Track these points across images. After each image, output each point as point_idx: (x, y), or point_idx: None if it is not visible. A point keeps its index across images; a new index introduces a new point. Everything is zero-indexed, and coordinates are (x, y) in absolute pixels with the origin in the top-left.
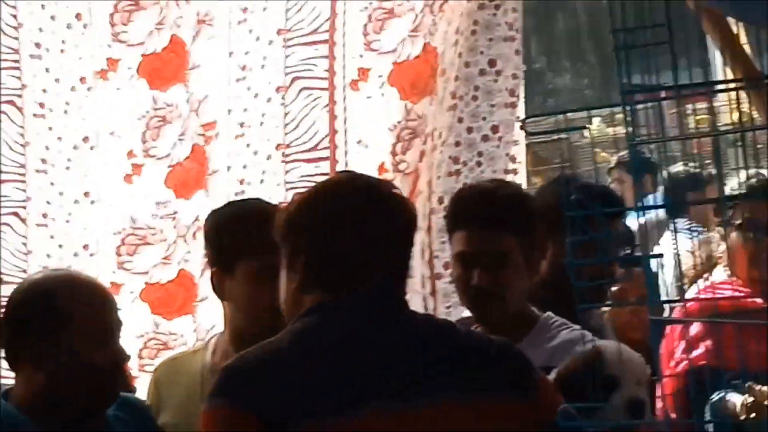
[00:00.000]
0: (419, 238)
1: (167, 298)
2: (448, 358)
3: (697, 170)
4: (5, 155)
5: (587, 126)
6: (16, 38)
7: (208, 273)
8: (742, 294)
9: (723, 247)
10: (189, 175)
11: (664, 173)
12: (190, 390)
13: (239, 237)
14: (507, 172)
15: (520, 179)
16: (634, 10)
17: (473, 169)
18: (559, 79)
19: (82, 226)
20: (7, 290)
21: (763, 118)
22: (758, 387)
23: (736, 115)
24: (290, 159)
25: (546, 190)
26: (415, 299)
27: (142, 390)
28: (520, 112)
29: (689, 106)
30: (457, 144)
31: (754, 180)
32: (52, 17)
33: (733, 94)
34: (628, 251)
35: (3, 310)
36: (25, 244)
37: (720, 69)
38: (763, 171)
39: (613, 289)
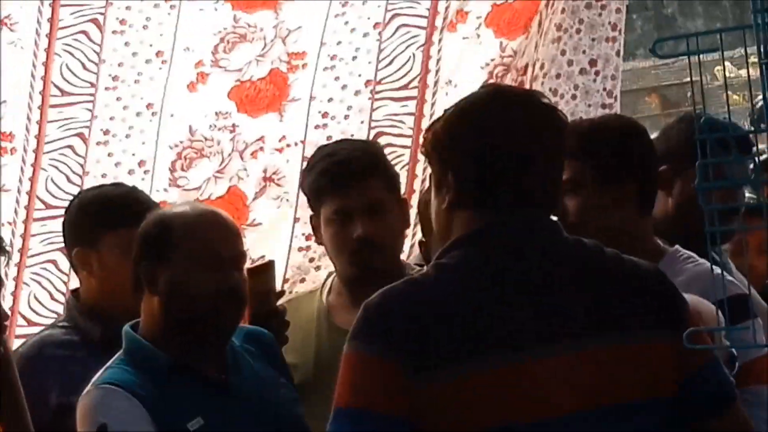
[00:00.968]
0: None
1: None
2: (606, 294)
3: None
4: (78, 75)
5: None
6: None
7: (262, 198)
8: None
9: None
10: (261, 95)
11: None
12: (306, 330)
13: (314, 183)
14: (604, 106)
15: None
16: None
17: (568, 102)
18: (690, 24)
19: (140, 140)
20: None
21: None
22: None
23: None
24: (379, 96)
25: (672, 128)
26: None
27: None
28: (621, 46)
29: None
30: (558, 76)
31: None
32: None
33: None
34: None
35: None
36: (82, 166)
37: None
38: None
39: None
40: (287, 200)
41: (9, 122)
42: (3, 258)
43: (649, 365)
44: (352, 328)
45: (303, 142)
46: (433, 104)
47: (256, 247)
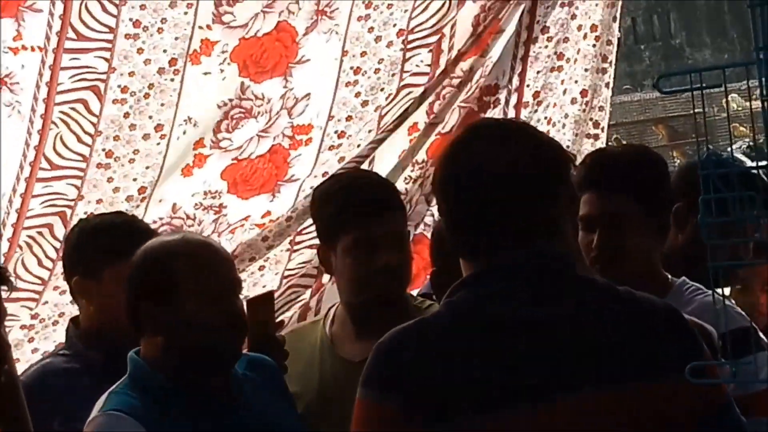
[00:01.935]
0: None
1: None
2: (619, 337)
3: None
4: (71, 147)
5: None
6: None
7: None
8: None
9: None
10: (258, 174)
11: None
12: (309, 360)
13: (333, 212)
14: (589, 136)
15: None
16: None
17: (559, 131)
18: (698, 54)
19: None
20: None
21: None
22: None
23: None
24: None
25: (686, 168)
26: None
27: None
28: (611, 78)
29: None
30: (553, 105)
31: None
32: None
33: None
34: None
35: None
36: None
37: None
38: None
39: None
40: None
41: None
42: (4, 287)
43: (662, 406)
44: (364, 372)
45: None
46: None
47: None
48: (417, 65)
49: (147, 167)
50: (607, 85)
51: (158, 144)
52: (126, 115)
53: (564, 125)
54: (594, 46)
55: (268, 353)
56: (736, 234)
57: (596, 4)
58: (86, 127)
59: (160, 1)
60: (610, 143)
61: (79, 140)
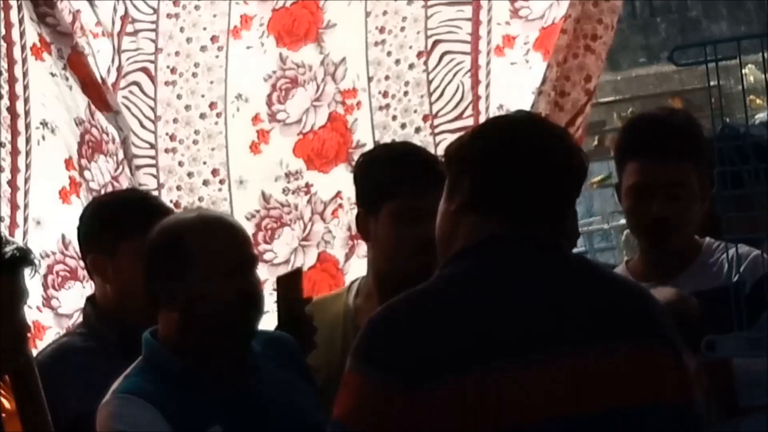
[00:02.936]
0: None
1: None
2: (600, 308)
3: None
4: (137, 134)
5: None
6: None
7: (354, 257)
8: None
9: None
10: (329, 145)
11: None
12: (332, 332)
13: (383, 177)
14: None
15: None
16: None
17: None
18: (715, 27)
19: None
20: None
21: None
22: None
23: None
24: (438, 130)
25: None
26: None
27: None
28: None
29: None
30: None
31: None
32: None
33: None
34: None
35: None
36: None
37: None
38: None
39: None
40: None
41: None
42: (30, 269)
43: (624, 368)
44: (355, 344)
45: None
46: None
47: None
48: (450, 31)
49: (212, 149)
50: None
51: (216, 123)
52: (179, 96)
53: None
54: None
55: (297, 330)
56: (751, 207)
57: None
58: (146, 111)
59: None
60: (624, 115)
61: (142, 126)
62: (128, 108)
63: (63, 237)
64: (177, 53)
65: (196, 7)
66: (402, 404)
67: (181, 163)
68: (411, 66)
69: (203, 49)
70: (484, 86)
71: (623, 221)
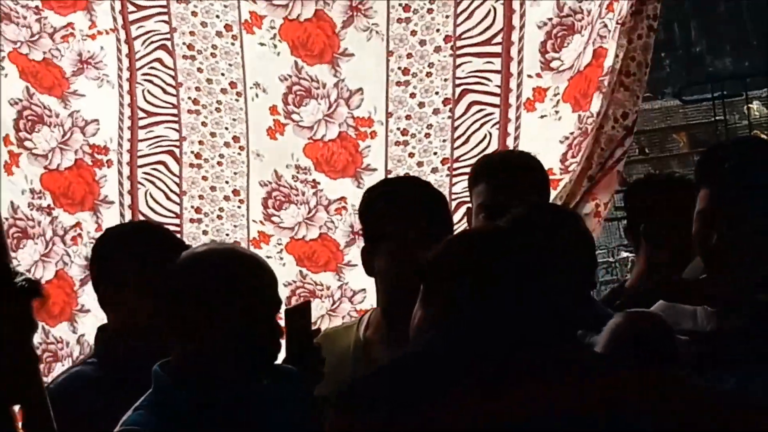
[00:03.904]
0: None
1: (312, 254)
2: None
3: None
4: (160, 97)
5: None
6: None
7: (354, 246)
8: None
9: None
10: (337, 158)
11: None
12: (342, 363)
13: (382, 215)
14: None
15: None
16: None
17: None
18: (719, 62)
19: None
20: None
21: None
22: None
23: None
24: (457, 173)
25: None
26: None
27: None
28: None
29: None
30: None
31: None
32: None
33: None
34: None
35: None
36: (178, 185)
37: None
38: None
39: None
40: None
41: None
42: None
43: None
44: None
45: None
46: None
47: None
48: (479, 81)
49: (234, 119)
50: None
51: (237, 100)
52: (200, 69)
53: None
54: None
55: (306, 362)
56: None
57: None
58: (167, 80)
59: None
60: (631, 150)
61: (165, 92)
62: (151, 81)
63: (12, 203)
64: (192, 33)
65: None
66: None
67: (204, 123)
68: (436, 111)
69: (219, 34)
70: (513, 138)
71: (625, 254)
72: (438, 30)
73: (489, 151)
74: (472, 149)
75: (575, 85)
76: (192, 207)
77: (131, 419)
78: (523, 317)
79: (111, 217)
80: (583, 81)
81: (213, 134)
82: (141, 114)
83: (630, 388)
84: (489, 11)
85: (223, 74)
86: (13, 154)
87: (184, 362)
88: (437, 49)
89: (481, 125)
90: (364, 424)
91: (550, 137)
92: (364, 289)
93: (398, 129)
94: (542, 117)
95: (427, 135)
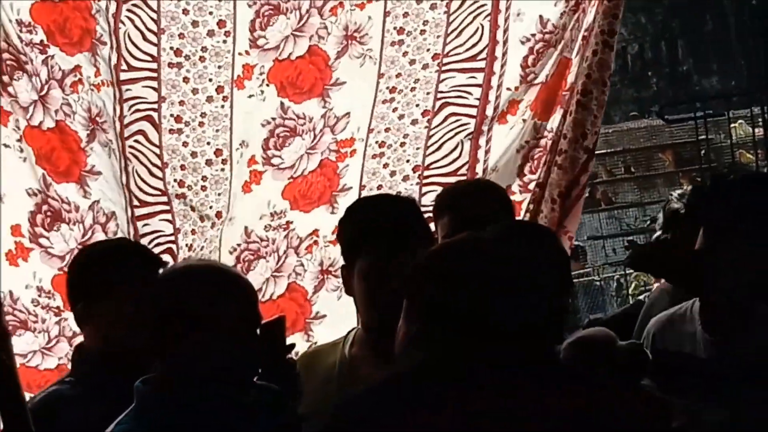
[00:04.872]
0: None
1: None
2: None
3: None
4: (151, 183)
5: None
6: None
7: (323, 290)
8: None
9: None
10: (313, 188)
11: None
12: (327, 380)
13: (354, 236)
14: None
15: None
16: None
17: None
18: (705, 81)
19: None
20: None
21: None
22: None
23: None
24: (427, 181)
25: None
26: None
27: None
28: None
29: None
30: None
31: None
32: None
33: None
34: None
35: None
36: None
37: None
38: None
39: None
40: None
41: None
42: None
43: None
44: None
45: None
46: None
47: (322, 338)
48: (460, 95)
49: (219, 194)
50: None
51: (222, 170)
52: (185, 144)
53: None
54: None
55: (281, 377)
56: None
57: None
58: (153, 159)
59: (199, 29)
60: (616, 169)
61: (151, 174)
62: (137, 157)
63: (11, 293)
64: (182, 102)
65: (201, 59)
66: None
67: (193, 208)
68: (414, 122)
69: (210, 99)
70: (483, 151)
71: (611, 272)
72: (428, 49)
73: (460, 160)
74: (444, 157)
75: (540, 94)
76: None
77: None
78: (503, 333)
79: None
80: (547, 91)
81: (203, 218)
82: (134, 202)
83: (603, 404)
84: (477, 29)
85: (208, 143)
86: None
87: (167, 378)
88: (425, 67)
89: (455, 134)
90: None
91: (512, 147)
92: None
93: (376, 142)
94: (512, 128)
95: (402, 144)
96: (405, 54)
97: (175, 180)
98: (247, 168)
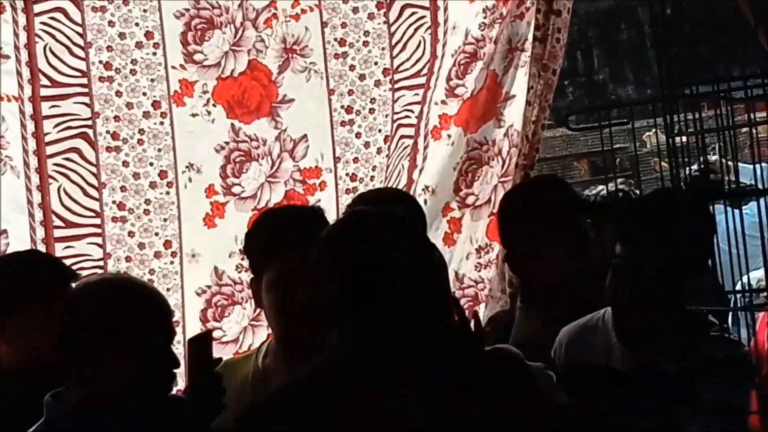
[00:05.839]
0: None
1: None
2: None
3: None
4: (81, 203)
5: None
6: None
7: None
8: None
9: None
10: None
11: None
12: (241, 393)
13: (260, 248)
14: None
15: None
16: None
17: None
18: (621, 90)
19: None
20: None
21: None
22: None
23: None
24: None
25: None
26: None
27: None
28: None
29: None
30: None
31: None
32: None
33: None
34: None
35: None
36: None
37: None
38: None
39: None
40: None
41: None
42: None
43: None
44: None
45: None
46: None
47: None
48: (407, 115)
49: (165, 219)
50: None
51: (168, 193)
52: (125, 163)
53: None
54: None
55: (208, 392)
56: None
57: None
58: (89, 179)
59: (127, 41)
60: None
61: (86, 194)
62: (66, 176)
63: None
64: (117, 117)
65: (132, 72)
66: None
67: (131, 234)
68: (379, 150)
69: (146, 115)
70: (418, 171)
71: None
72: (376, 63)
73: (400, 185)
74: (393, 184)
75: (466, 108)
76: None
77: None
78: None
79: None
80: (476, 105)
81: (141, 245)
82: (56, 222)
83: (497, 417)
84: (420, 42)
85: (151, 164)
86: None
87: (78, 393)
88: (377, 83)
89: (400, 160)
90: None
91: (447, 165)
92: None
93: (347, 175)
94: (448, 145)
95: (372, 178)
96: (352, 68)
97: (113, 202)
98: (207, 199)
